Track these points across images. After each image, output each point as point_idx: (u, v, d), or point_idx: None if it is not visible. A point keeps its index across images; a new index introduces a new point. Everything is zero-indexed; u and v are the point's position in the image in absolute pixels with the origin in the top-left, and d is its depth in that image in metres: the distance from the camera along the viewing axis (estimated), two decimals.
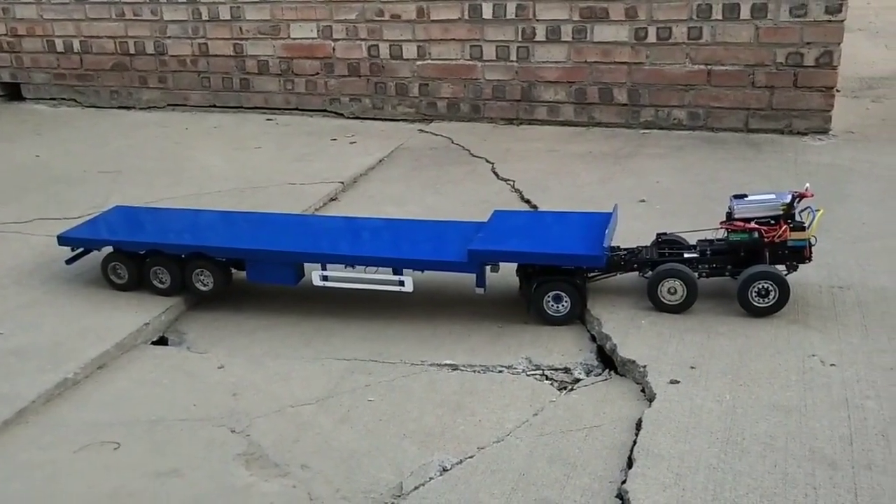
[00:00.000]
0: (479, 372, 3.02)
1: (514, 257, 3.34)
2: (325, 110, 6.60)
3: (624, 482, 2.33)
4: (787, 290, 3.14)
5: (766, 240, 3.19)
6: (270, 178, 5.18)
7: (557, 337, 3.21)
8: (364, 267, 3.45)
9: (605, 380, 2.93)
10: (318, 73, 6.53)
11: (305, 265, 3.55)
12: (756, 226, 3.21)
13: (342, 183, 5.01)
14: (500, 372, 3.01)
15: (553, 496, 2.33)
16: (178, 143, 6.10)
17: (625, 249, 3.40)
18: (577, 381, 2.94)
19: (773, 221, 3.22)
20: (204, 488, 2.49)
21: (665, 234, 3.48)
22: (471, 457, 2.54)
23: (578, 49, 5.79)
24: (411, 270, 3.38)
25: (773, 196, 3.27)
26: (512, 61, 5.98)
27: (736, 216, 3.26)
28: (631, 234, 3.55)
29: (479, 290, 3.32)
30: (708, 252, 3.32)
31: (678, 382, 2.78)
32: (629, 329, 3.13)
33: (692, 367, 2.86)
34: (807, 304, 3.25)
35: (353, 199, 4.83)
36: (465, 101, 6.19)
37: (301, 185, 5.00)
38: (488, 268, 3.35)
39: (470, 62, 6.09)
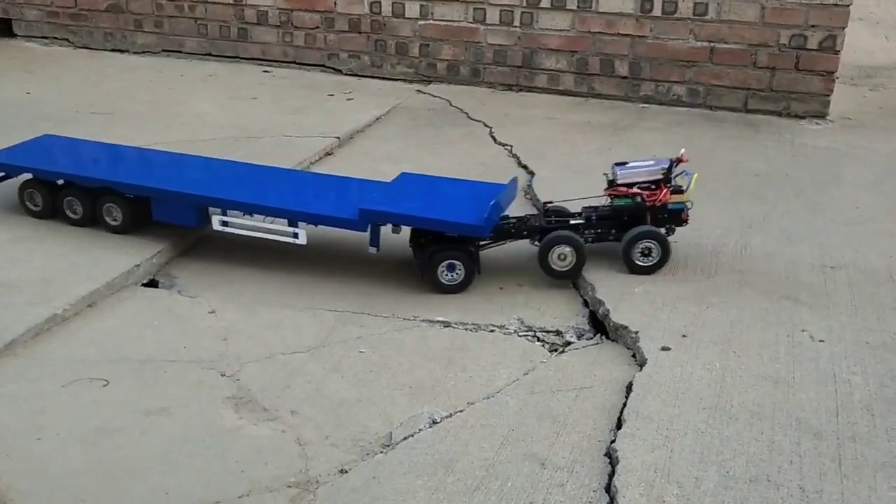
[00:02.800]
0: (470, 330, 3.03)
1: (402, 220, 3.34)
2: (322, 65, 6.51)
3: (613, 441, 2.36)
4: (668, 249, 3.28)
5: (648, 203, 3.30)
6: (265, 129, 5.12)
7: (550, 300, 3.22)
8: (263, 216, 3.46)
9: (597, 344, 2.95)
10: (317, 27, 6.43)
11: (210, 209, 3.54)
12: (638, 191, 3.31)
13: (338, 138, 4.96)
14: (492, 331, 3.02)
15: (542, 452, 2.35)
16: (171, 89, 6.00)
17: (514, 218, 3.46)
18: (569, 343, 2.95)
19: (653, 186, 3.32)
20: (192, 428, 2.49)
21: (551, 202, 3.56)
22: (460, 411, 2.55)
23: (583, 18, 5.74)
24: (306, 224, 3.39)
25: (652, 162, 3.39)
26: (515, 26, 5.91)
27: (619, 182, 3.35)
28: None
29: (373, 250, 3.34)
30: (593, 217, 3.40)
31: (669, 349, 2.80)
32: (622, 295, 3.15)
33: (683, 336, 2.88)
34: (798, 281, 3.28)
35: (349, 154, 4.79)
36: (466, 64, 6.13)
37: (297, 138, 4.95)
38: (389, 228, 3.35)
39: (472, 25, 6.02)
